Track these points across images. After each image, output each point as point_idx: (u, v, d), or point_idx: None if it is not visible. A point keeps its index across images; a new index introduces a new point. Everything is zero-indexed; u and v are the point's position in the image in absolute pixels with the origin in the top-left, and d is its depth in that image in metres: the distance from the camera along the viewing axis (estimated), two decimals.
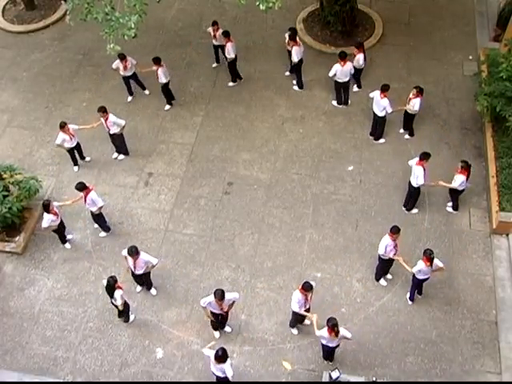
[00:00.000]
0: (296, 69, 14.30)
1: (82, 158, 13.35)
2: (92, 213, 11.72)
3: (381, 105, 12.63)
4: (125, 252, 10.45)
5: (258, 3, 10.66)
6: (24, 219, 12.21)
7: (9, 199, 11.57)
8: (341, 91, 13.99)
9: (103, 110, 12.47)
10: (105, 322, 11.04)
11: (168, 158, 13.51)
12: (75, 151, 12.99)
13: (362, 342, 10.63)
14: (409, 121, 13.23)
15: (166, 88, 14.06)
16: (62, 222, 11.69)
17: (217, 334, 10.76)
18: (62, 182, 13.04)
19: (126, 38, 10.48)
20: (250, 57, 15.39)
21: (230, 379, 9.27)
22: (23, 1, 16.90)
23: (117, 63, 13.79)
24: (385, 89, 12.51)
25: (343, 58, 13.16)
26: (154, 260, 10.61)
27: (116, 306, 10.44)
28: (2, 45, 16.31)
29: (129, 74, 14.06)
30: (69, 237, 12.09)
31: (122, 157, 13.42)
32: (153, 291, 11.32)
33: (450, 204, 12.21)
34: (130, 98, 14.68)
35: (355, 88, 14.42)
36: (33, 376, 10.45)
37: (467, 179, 11.41)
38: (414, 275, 10.41)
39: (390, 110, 12.66)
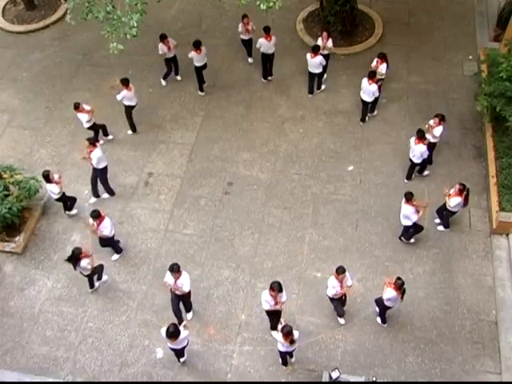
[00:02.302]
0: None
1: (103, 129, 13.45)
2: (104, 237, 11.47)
3: (370, 91, 12.87)
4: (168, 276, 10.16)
5: (258, 3, 10.66)
6: (24, 219, 12.21)
7: (9, 199, 11.56)
8: (313, 81, 14.23)
9: (92, 142, 11.87)
10: (105, 322, 11.04)
11: (168, 158, 13.51)
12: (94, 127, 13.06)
13: (362, 341, 10.63)
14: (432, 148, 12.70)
15: (128, 112, 13.54)
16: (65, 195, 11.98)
17: (274, 333, 10.29)
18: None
19: (128, 37, 10.47)
20: None
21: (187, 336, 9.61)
22: (23, 1, 16.90)
23: (161, 47, 13.88)
24: (371, 76, 12.69)
25: (314, 51, 13.41)
26: (186, 287, 10.20)
27: (85, 275, 10.76)
28: (2, 45, 16.31)
29: (172, 54, 14.17)
30: (73, 211, 12.36)
31: (106, 195, 12.74)
32: (189, 315, 11.00)
33: (439, 221, 11.98)
34: (179, 78, 14.90)
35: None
36: (33, 376, 10.44)
37: (465, 204, 11.21)
38: (381, 300, 10.24)
39: (377, 94, 12.96)
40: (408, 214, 10.83)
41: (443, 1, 16.69)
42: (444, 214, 11.67)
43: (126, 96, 13.00)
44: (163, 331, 9.39)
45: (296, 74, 14.90)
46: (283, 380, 10.30)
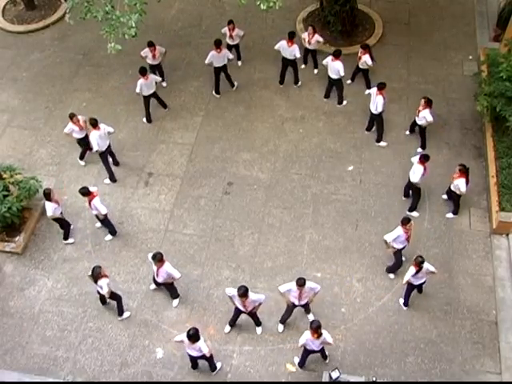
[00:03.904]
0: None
1: (90, 149, 13.09)
2: (97, 216, 11.72)
3: (375, 102, 12.72)
4: (150, 256, 10.38)
5: (258, 3, 10.66)
6: (24, 219, 12.21)
7: (9, 199, 11.56)
8: (331, 87, 14.16)
9: (93, 123, 12.12)
10: (105, 322, 11.05)
11: (168, 158, 13.51)
12: (83, 142, 12.92)
13: (362, 341, 10.63)
14: (422, 133, 13.08)
15: (146, 101, 13.78)
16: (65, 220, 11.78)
17: (227, 328, 10.79)
18: (62, 182, 13.04)
19: (127, 37, 10.47)
20: (250, 57, 15.39)
21: (207, 355, 9.50)
22: (23, 1, 16.89)
23: (145, 51, 13.90)
24: (381, 87, 12.54)
25: (335, 54, 13.30)
26: (176, 274, 10.37)
27: (102, 295, 10.56)
28: (2, 45, 16.31)
29: (156, 62, 14.13)
30: (70, 240, 12.09)
31: (107, 181, 13.04)
32: (174, 302, 11.12)
33: (450, 211, 12.19)
34: (164, 84, 14.79)
35: (349, 81, 14.56)
36: (33, 376, 10.44)
37: (467, 182, 11.38)
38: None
39: (380, 109, 12.70)
40: (397, 236, 10.62)
41: (443, 1, 16.69)
42: (454, 200, 11.92)
43: (142, 85, 13.23)
44: (180, 337, 9.40)
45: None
46: (283, 380, 10.31)
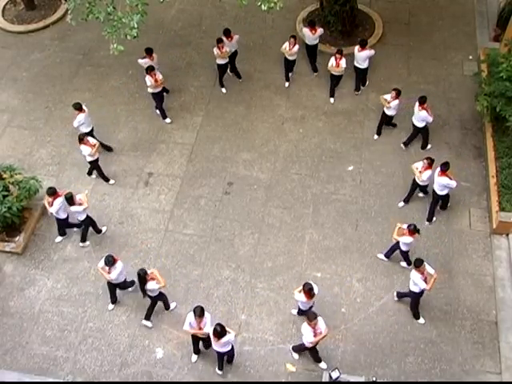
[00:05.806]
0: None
1: (106, 179, 13.01)
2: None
3: (420, 116, 12.47)
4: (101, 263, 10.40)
5: (259, 3, 10.66)
6: (24, 219, 12.21)
7: (9, 199, 11.56)
8: (359, 77, 14.42)
9: (77, 108, 12.41)
10: (105, 322, 11.05)
11: (168, 158, 13.51)
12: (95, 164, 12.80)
13: (362, 341, 10.64)
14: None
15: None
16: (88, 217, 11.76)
17: (194, 357, 10.50)
18: (62, 182, 13.02)
19: (129, 38, 10.47)
20: (250, 57, 15.39)
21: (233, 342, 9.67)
22: (23, 1, 16.90)
23: (149, 79, 13.19)
24: (422, 101, 12.31)
25: (362, 45, 13.55)
26: (112, 275, 10.38)
27: (149, 296, 10.47)
28: (2, 45, 16.31)
29: (158, 89, 13.48)
30: (79, 242, 12.07)
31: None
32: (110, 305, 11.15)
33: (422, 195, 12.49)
34: (168, 120, 14.14)
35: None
36: (33, 376, 10.45)
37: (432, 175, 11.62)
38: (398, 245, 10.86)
39: (430, 120, 12.48)
40: (416, 281, 10.17)
41: (443, 1, 16.70)
42: (419, 189, 12.19)
43: (147, 63, 13.49)
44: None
45: (295, 74, 14.89)
46: (283, 380, 10.31)
